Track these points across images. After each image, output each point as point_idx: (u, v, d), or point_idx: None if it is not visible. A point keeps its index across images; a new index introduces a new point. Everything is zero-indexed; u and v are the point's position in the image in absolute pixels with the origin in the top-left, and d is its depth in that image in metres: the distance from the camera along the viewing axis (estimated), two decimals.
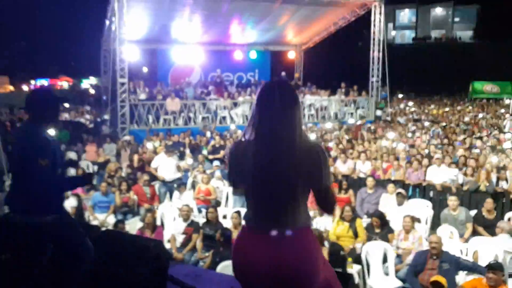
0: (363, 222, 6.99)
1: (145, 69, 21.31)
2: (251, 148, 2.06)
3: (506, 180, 8.51)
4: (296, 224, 2.03)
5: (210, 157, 11.91)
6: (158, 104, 15.33)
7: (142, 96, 16.03)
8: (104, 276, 3.11)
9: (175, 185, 9.57)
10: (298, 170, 1.99)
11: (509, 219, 7.06)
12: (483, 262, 5.49)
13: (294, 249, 1.99)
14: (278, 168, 2.00)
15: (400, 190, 8.04)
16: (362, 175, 9.45)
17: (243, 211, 7.19)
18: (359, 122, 15.79)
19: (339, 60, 27.85)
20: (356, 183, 9.23)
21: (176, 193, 9.20)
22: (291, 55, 21.73)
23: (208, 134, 14.19)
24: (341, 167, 9.91)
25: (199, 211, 8.39)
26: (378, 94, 18.08)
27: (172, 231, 7.08)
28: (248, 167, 2.05)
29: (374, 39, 17.55)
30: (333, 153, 10.94)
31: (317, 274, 2.02)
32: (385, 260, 5.99)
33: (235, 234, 6.29)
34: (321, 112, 17.49)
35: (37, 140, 2.86)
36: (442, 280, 4.71)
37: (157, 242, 3.90)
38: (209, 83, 19.02)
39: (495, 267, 4.57)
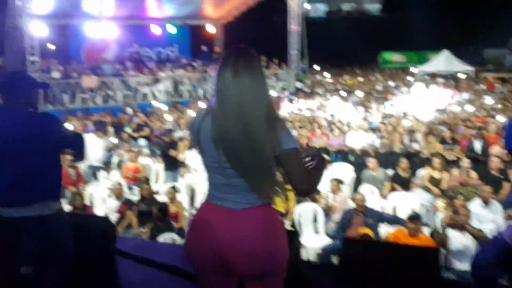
0: None
1: (51, 46, 19.94)
2: (212, 120, 1.94)
3: (417, 141, 9.31)
4: (256, 199, 1.95)
5: (135, 135, 11.67)
6: (73, 82, 14.59)
7: (56, 74, 15.12)
8: (50, 252, 3.04)
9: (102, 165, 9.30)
10: (263, 141, 1.86)
11: (421, 175, 7.76)
12: (402, 215, 6.08)
13: (254, 224, 1.94)
14: (239, 140, 1.87)
15: (325, 155, 8.49)
16: None
17: (177, 185, 7.23)
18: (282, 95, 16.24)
19: (258, 34, 28.05)
20: None
21: (102, 173, 8.96)
22: (211, 29, 21.53)
23: (130, 111, 13.82)
24: None
25: (129, 188, 8.28)
26: (297, 67, 18.60)
27: (105, 210, 6.94)
28: (207, 139, 1.95)
29: (291, 13, 17.93)
30: None
31: (278, 251, 1.97)
32: (315, 220, 6.38)
33: (172, 208, 6.35)
34: None
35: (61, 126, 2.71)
36: (370, 232, 5.17)
37: (102, 218, 3.88)
38: (126, 59, 18.36)
39: (414, 218, 5.08)
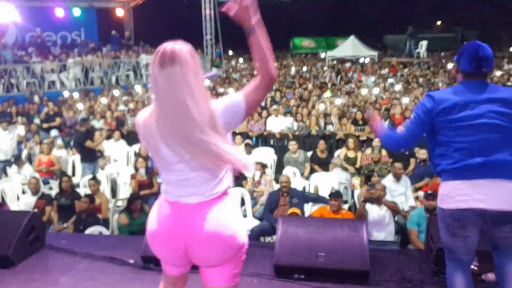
0: None
1: None
2: (153, 116, 1.94)
3: (332, 124, 9.86)
4: (211, 192, 1.99)
5: (45, 125, 11.01)
6: None
7: None
8: None
9: (12, 160, 8.68)
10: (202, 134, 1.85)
11: (338, 156, 8.27)
12: (323, 194, 6.47)
13: (211, 216, 1.97)
14: (178, 136, 1.88)
15: (248, 140, 8.70)
16: None
17: (98, 177, 7.01)
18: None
19: (170, 18, 27.47)
20: None
21: (13, 168, 8.37)
22: (120, 12, 20.69)
23: (37, 100, 12.96)
24: None
25: (44, 183, 7.84)
26: (213, 52, 18.59)
27: (21, 206, 6.54)
28: (153, 137, 1.95)
29: None
30: None
31: (236, 240, 2.01)
32: (242, 203, 6.56)
33: (98, 200, 6.16)
34: None
35: None
36: (297, 211, 5.46)
37: (32, 214, 3.74)
38: (28, 44, 17.10)
39: (336, 195, 5.44)
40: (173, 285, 2.27)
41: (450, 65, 21.35)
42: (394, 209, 5.49)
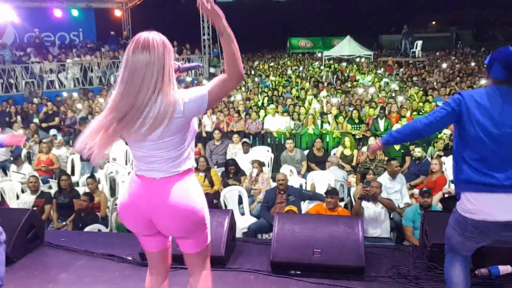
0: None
1: None
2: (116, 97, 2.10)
3: (329, 122, 9.92)
4: (164, 170, 2.16)
5: (44, 125, 11.05)
6: None
7: None
8: None
9: (11, 158, 8.72)
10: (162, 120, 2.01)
11: (334, 154, 8.34)
12: (320, 191, 6.53)
13: (168, 189, 2.15)
14: (146, 120, 2.02)
15: (246, 139, 8.76)
16: (208, 129, 9.94)
17: (98, 176, 7.06)
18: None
19: (168, 18, 27.50)
20: (203, 137, 9.67)
21: (13, 167, 8.41)
22: (118, 13, 20.72)
23: (36, 100, 12.98)
24: None
25: (43, 182, 7.89)
26: (211, 52, 18.62)
27: (21, 205, 6.58)
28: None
29: None
30: None
31: (196, 211, 2.20)
32: (240, 201, 6.62)
33: (97, 198, 6.21)
34: None
35: None
36: (294, 208, 5.52)
37: (31, 212, 3.78)
38: (26, 45, 17.11)
39: (332, 192, 5.49)
40: (156, 269, 2.46)
41: (444, 65, 21.47)
42: (389, 206, 5.55)
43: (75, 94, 14.02)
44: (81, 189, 7.11)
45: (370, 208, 5.51)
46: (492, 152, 2.46)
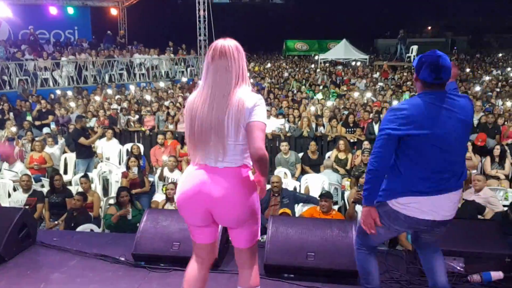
0: None
1: None
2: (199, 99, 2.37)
3: (323, 125, 9.94)
4: (229, 161, 2.33)
5: (37, 123, 10.97)
6: None
7: None
8: None
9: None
10: (230, 116, 2.27)
11: (328, 157, 8.35)
12: (314, 194, 6.53)
13: (223, 180, 2.33)
14: (213, 115, 2.29)
15: None
16: None
17: (91, 175, 7.02)
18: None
19: (164, 18, 27.48)
20: None
21: (5, 165, 8.34)
22: (114, 11, 20.67)
23: (30, 97, 12.90)
24: (181, 125, 10.19)
25: (35, 180, 7.83)
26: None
27: (12, 203, 6.52)
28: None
29: None
30: (171, 112, 11.13)
31: (250, 203, 2.36)
32: None
33: (90, 198, 6.18)
34: (152, 71, 17.32)
35: None
36: (288, 211, 5.52)
37: (23, 211, 3.75)
38: (21, 42, 17.01)
39: (326, 196, 5.50)
40: (202, 259, 2.59)
41: None
42: None
43: (69, 93, 13.95)
44: (74, 188, 7.08)
45: None
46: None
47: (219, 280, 3.62)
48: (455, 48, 40.44)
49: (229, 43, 2.32)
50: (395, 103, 11.93)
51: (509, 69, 22.76)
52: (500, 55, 32.82)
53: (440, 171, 2.57)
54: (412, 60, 22.44)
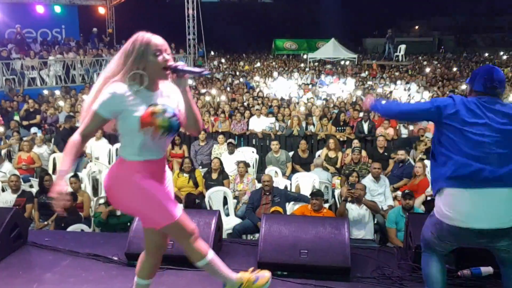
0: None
1: None
2: None
3: (313, 124, 9.98)
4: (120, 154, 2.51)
5: (25, 123, 10.85)
6: None
7: None
8: None
9: None
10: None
11: (319, 156, 8.40)
12: (304, 193, 6.56)
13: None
14: None
15: (231, 140, 8.75)
16: None
17: (81, 175, 6.97)
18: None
19: (153, 17, 27.28)
20: (187, 137, 9.64)
21: None
22: (101, 10, 20.50)
23: (17, 97, 12.75)
24: None
25: (24, 180, 7.75)
26: (196, 52, 18.55)
27: (1, 204, 6.45)
28: None
29: None
30: None
31: (111, 191, 2.50)
32: (225, 202, 6.62)
33: (80, 198, 6.14)
34: None
35: None
36: (280, 209, 5.55)
37: (14, 211, 3.72)
38: (7, 41, 16.79)
39: (317, 194, 5.54)
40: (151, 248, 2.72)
41: (427, 69, 21.81)
42: (373, 208, 5.62)
43: (57, 92, 13.81)
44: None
45: (354, 210, 5.57)
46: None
47: (213, 279, 3.62)
48: (442, 47, 40.87)
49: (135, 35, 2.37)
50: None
51: None
52: (487, 54, 33.24)
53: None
54: (400, 60, 22.66)
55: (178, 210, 2.48)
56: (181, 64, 2.37)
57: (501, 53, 33.18)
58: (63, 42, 18.31)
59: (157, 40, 2.34)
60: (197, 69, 2.46)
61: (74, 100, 12.78)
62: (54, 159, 8.77)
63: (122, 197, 2.47)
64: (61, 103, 12.11)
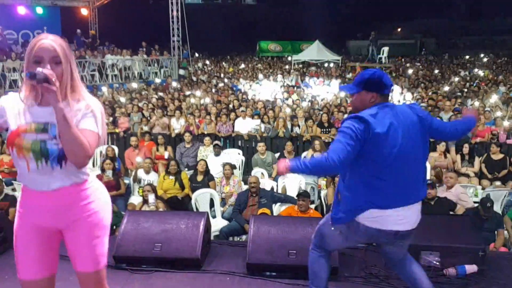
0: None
1: None
2: None
3: (299, 126, 10.03)
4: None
5: None
6: None
7: None
8: None
9: None
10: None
11: (304, 157, 8.43)
12: (291, 194, 6.59)
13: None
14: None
15: (217, 142, 8.75)
16: (177, 131, 9.86)
17: None
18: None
19: (136, 19, 27.16)
20: (173, 139, 9.60)
21: None
22: (84, 12, 20.29)
23: None
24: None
25: (6, 184, 7.62)
26: (180, 54, 18.48)
27: None
28: None
29: None
30: (145, 113, 11.04)
31: None
32: (211, 204, 6.60)
33: None
34: (125, 72, 17.08)
35: None
36: (267, 211, 5.56)
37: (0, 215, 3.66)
38: None
39: (304, 195, 5.56)
40: None
41: (410, 71, 22.11)
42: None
43: None
44: None
45: None
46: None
47: (202, 281, 3.62)
48: (423, 49, 41.47)
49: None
50: None
51: (476, 70, 23.48)
52: (467, 56, 33.83)
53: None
54: (383, 62, 22.91)
55: (27, 271, 2.27)
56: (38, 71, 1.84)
57: (482, 55, 33.82)
58: None
59: (43, 45, 1.96)
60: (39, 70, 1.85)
61: None
62: None
63: None
64: None
